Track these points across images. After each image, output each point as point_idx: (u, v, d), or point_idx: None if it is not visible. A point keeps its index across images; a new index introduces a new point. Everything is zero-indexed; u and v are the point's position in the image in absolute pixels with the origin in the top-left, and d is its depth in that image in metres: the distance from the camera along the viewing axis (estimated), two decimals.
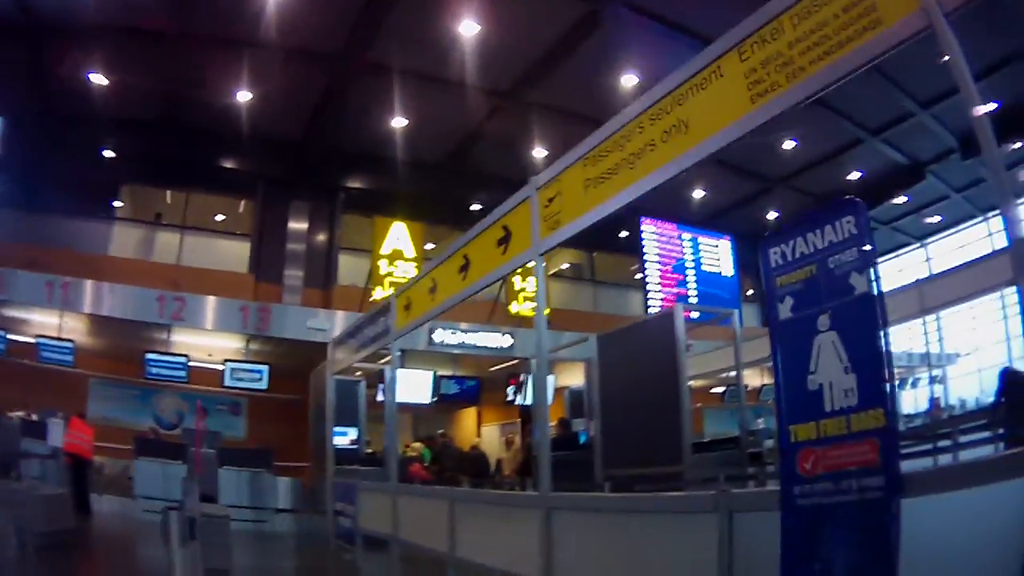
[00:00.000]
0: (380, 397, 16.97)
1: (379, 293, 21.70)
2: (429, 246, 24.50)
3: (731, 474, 9.91)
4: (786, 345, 3.57)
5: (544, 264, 6.15)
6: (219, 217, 24.92)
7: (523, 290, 24.44)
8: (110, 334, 19.84)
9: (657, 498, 4.87)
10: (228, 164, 23.30)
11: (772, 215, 29.02)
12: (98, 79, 18.85)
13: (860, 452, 3.08)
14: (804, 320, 3.45)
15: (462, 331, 21.03)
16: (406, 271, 22.19)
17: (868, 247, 3.29)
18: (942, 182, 27.50)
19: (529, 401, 20.78)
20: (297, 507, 18.03)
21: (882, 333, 3.14)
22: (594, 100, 18.86)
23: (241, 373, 20.37)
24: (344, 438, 16.77)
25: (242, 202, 24.97)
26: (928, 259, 33.25)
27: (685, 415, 9.83)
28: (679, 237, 27.30)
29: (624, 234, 27.46)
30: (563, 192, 5.72)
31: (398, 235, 23.24)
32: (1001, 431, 11.28)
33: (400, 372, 19.19)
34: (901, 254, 35.04)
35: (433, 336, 20.35)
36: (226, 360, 20.39)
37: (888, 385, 3.09)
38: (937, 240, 33.51)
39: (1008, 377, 12.08)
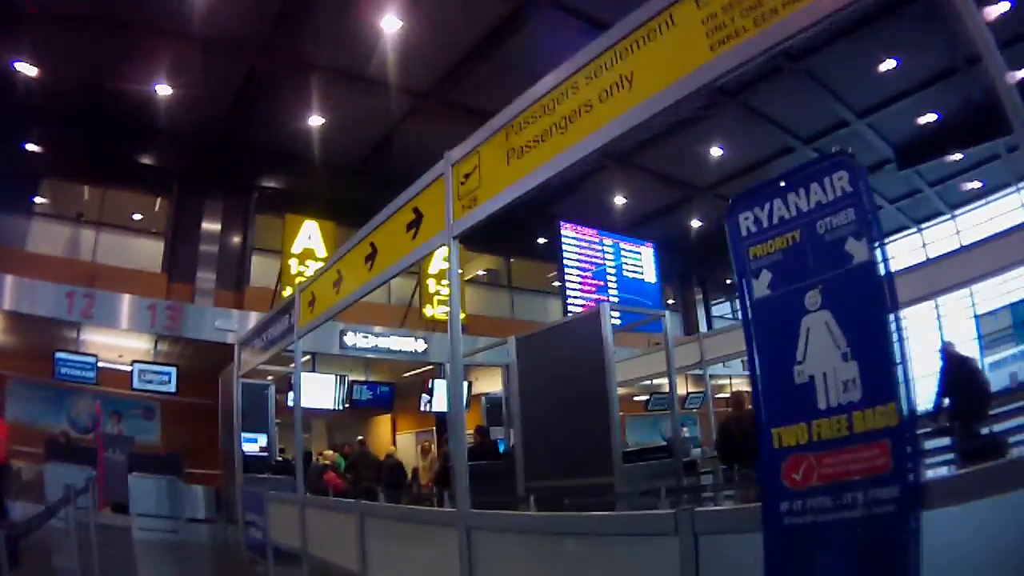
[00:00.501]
0: (291, 402, 16.17)
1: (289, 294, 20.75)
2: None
3: (671, 486, 9.38)
4: (764, 330, 2.93)
5: (457, 249, 5.45)
6: (136, 216, 23.72)
7: (437, 293, 23.70)
8: (21, 331, 18.75)
9: (601, 519, 4.18)
10: (145, 160, 22.23)
11: (696, 223, 28.86)
12: (25, 68, 17.71)
13: (866, 457, 2.47)
14: (787, 298, 2.82)
15: (375, 335, 20.44)
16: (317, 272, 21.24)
17: (867, 207, 2.69)
18: (876, 194, 27.02)
19: (443, 408, 20.19)
20: (211, 516, 17.13)
21: (890, 308, 2.53)
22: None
23: (149, 375, 19.21)
24: (254, 445, 16.13)
25: (158, 200, 23.81)
26: None
27: (614, 422, 9.28)
28: (600, 242, 27.03)
29: (542, 240, 27.43)
30: (482, 166, 5.12)
31: (310, 233, 22.43)
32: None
33: (309, 376, 18.67)
34: None
35: (345, 339, 19.71)
36: (134, 361, 19.28)
37: (902, 372, 2.47)
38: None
39: (951, 358, 11.53)
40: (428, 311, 23.50)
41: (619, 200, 27.02)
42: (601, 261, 26.67)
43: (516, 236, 25.99)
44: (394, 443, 24.44)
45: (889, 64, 19.00)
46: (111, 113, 19.74)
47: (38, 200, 21.75)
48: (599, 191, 25.73)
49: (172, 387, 19.30)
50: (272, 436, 17.09)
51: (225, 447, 14.44)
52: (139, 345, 20.04)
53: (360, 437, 20.31)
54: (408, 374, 22.27)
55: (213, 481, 17.18)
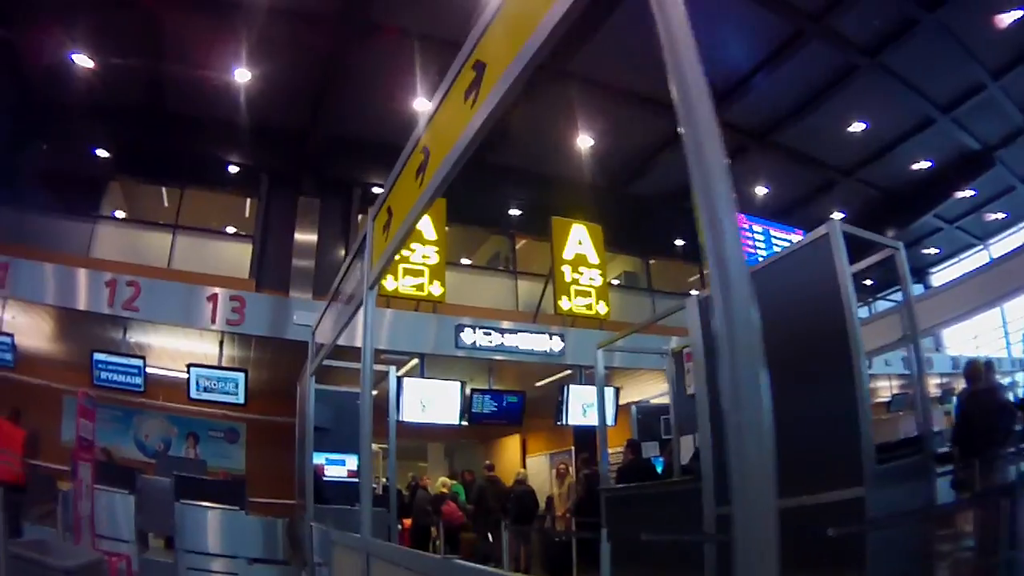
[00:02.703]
0: (399, 416, 13.70)
1: (390, 283, 17.57)
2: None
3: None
4: None
5: None
6: (220, 217, 21.86)
7: (575, 282, 20.32)
8: (70, 336, 16.52)
9: None
10: (228, 157, 20.47)
11: (837, 215, 26.24)
12: (82, 60, 16.29)
13: None
14: None
15: (499, 331, 17.31)
16: (425, 256, 18.27)
17: None
18: (1008, 170, 24.57)
19: (583, 421, 17.28)
20: (284, 556, 13.96)
21: None
22: (642, 76, 17.18)
23: (210, 382, 15.78)
24: (341, 468, 13.23)
25: (247, 201, 21.87)
26: (992, 259, 29.65)
27: (863, 405, 6.04)
28: (750, 228, 24.39)
29: (680, 242, 25.69)
30: None
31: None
32: None
33: (417, 382, 15.75)
34: (964, 258, 31.77)
35: (462, 337, 16.75)
36: (189, 365, 15.98)
37: None
38: (1000, 240, 30.26)
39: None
40: (564, 304, 19.95)
41: (757, 190, 25.14)
42: (752, 250, 23.72)
43: (653, 236, 24.84)
44: (524, 466, 21.59)
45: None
46: (186, 106, 18.45)
47: (110, 205, 20.24)
48: (735, 179, 23.04)
49: (240, 397, 15.97)
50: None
51: (300, 470, 11.58)
52: (211, 350, 17.03)
53: (488, 462, 18.12)
54: (540, 383, 19.21)
55: (290, 512, 14.45)
